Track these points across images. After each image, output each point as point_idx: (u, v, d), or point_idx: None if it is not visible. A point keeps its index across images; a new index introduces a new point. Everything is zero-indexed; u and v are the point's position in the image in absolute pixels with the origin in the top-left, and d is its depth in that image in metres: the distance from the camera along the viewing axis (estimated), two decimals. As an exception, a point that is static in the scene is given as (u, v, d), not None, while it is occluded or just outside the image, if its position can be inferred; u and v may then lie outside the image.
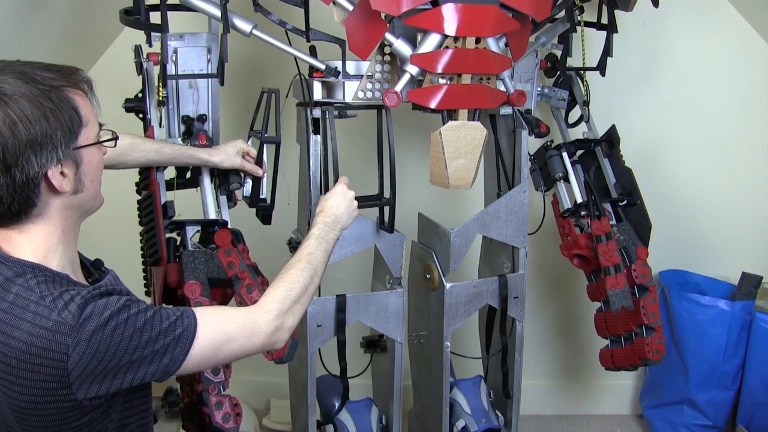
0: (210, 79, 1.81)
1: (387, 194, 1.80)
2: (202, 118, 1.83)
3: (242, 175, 1.82)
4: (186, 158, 1.72)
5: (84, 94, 1.06)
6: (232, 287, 1.71)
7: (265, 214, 1.84)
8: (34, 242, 1.05)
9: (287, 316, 1.22)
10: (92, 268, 1.18)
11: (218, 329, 1.11)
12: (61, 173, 1.03)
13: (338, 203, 1.52)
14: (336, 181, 1.64)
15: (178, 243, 1.73)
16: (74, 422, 1.04)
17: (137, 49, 1.77)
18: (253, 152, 1.79)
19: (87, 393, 1.00)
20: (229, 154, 1.75)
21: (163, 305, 1.13)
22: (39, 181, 1.01)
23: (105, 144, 1.11)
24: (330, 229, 1.46)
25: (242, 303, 1.68)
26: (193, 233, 1.76)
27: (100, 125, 1.10)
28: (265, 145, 1.78)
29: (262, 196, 1.83)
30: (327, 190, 1.68)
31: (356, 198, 1.57)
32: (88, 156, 1.06)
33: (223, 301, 1.75)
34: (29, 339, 0.98)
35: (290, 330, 1.23)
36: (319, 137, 1.77)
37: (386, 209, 1.81)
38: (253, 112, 1.84)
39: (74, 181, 1.05)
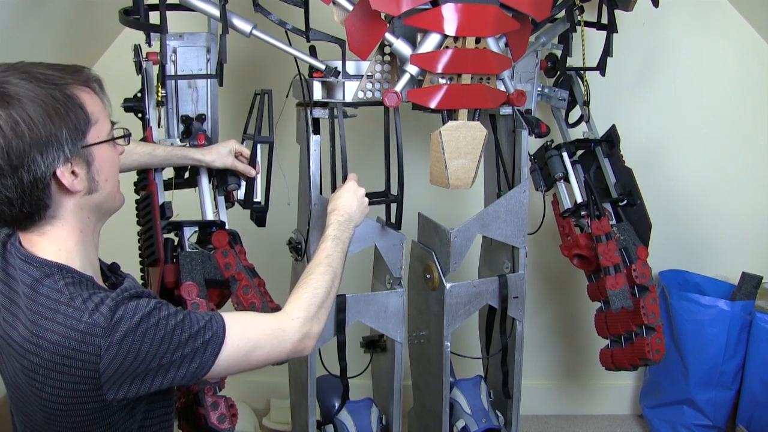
0: (209, 79, 1.81)
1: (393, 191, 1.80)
2: (201, 118, 1.83)
3: (239, 176, 1.82)
4: (179, 159, 1.72)
5: (92, 91, 1.05)
6: (228, 288, 1.71)
7: (259, 216, 1.84)
8: (55, 244, 1.04)
9: (313, 322, 1.22)
10: (109, 272, 1.18)
11: (246, 335, 1.12)
12: (72, 172, 1.01)
13: (350, 201, 1.52)
14: (345, 178, 1.64)
15: (175, 244, 1.73)
16: (101, 422, 1.04)
17: (136, 49, 1.76)
18: (246, 152, 1.78)
19: (117, 395, 1.01)
20: (221, 153, 1.74)
21: (192, 310, 1.13)
22: (48, 181, 1.00)
23: (117, 141, 1.09)
24: (345, 228, 1.46)
25: (239, 304, 1.69)
26: (190, 234, 1.76)
27: (113, 123, 1.09)
28: (258, 145, 1.77)
29: (256, 199, 1.82)
30: (335, 188, 1.67)
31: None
32: (99, 154, 1.05)
33: (220, 302, 1.75)
34: (61, 341, 0.98)
35: (317, 336, 1.23)
36: (319, 137, 1.76)
37: (392, 207, 1.80)
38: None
39: (87, 180, 1.04)
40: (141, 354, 1.00)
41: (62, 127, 0.99)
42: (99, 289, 1.04)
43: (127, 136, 1.11)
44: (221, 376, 1.14)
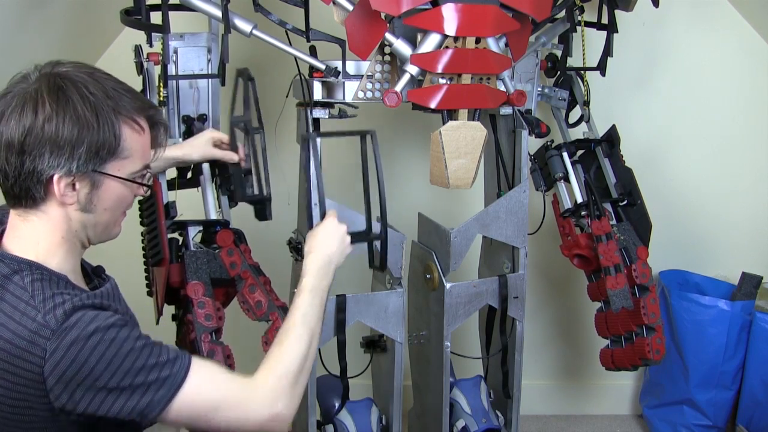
0: (210, 79, 1.81)
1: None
2: (202, 118, 1.83)
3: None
4: (165, 162, 1.66)
5: (142, 131, 1.07)
6: (234, 287, 1.71)
7: (258, 208, 1.75)
8: (35, 235, 1.05)
9: (287, 399, 1.13)
10: (93, 275, 1.17)
11: (206, 394, 1.05)
12: (72, 185, 1.02)
13: (329, 241, 1.38)
14: (323, 214, 1.48)
15: (180, 243, 1.73)
16: None
17: (137, 49, 1.76)
18: (226, 139, 1.72)
19: (66, 404, 0.98)
20: (195, 145, 1.69)
21: (164, 343, 1.06)
22: (43, 179, 1.01)
23: (132, 186, 1.10)
24: (323, 275, 1.32)
25: (245, 303, 1.69)
26: (195, 233, 1.76)
27: (146, 167, 1.09)
28: (256, 136, 1.70)
29: (256, 192, 1.75)
30: (311, 225, 1.49)
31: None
32: (110, 185, 1.06)
33: (226, 301, 1.75)
34: (13, 339, 0.97)
35: (290, 417, 1.13)
36: (319, 138, 1.76)
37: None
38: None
39: (84, 200, 1.05)
40: (87, 367, 0.95)
41: (84, 143, 1.00)
42: (68, 289, 1.02)
43: (148, 187, 1.13)
44: (175, 425, 1.05)
